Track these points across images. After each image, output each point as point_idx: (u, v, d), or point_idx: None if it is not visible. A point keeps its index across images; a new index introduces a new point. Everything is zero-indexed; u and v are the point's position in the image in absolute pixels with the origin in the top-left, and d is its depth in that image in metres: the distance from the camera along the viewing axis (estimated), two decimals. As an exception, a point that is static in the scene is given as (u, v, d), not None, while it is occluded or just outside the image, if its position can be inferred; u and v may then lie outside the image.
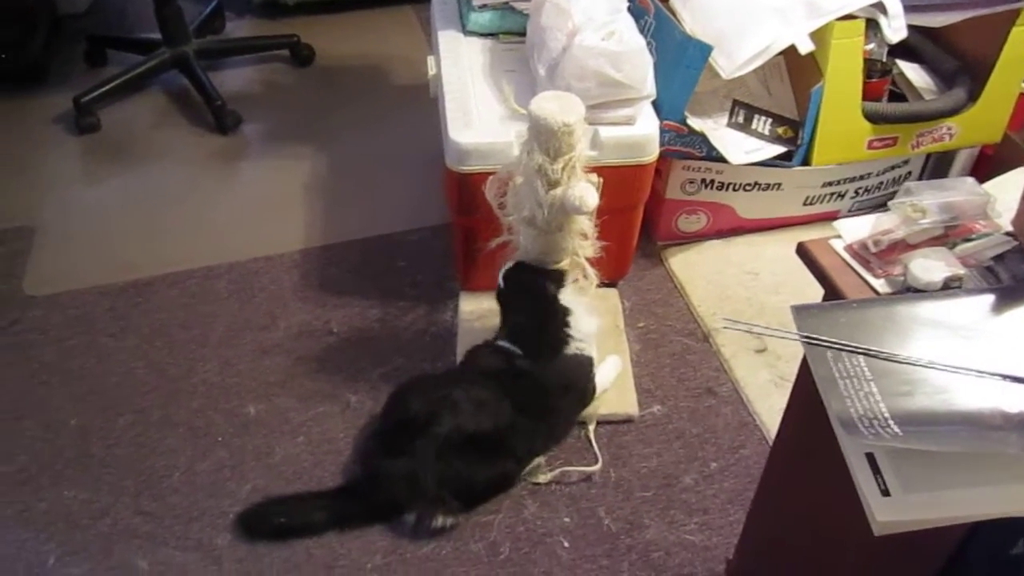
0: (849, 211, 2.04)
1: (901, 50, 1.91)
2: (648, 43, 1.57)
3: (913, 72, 1.95)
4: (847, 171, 1.93)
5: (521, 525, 1.46)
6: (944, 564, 0.83)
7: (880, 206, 2.02)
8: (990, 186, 0.93)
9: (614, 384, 1.64)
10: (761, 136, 1.81)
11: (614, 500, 1.50)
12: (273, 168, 2.28)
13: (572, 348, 1.51)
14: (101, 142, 2.37)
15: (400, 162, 2.27)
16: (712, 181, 1.87)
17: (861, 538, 0.86)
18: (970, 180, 0.91)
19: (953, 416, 0.71)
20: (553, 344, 1.50)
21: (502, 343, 1.52)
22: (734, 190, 1.90)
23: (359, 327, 1.80)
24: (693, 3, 1.73)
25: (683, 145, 1.75)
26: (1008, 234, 0.87)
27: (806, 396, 0.99)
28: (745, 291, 1.87)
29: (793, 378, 1.03)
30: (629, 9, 1.63)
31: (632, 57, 1.51)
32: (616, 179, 1.55)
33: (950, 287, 0.83)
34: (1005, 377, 0.73)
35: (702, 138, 1.75)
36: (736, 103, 1.82)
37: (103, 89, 2.39)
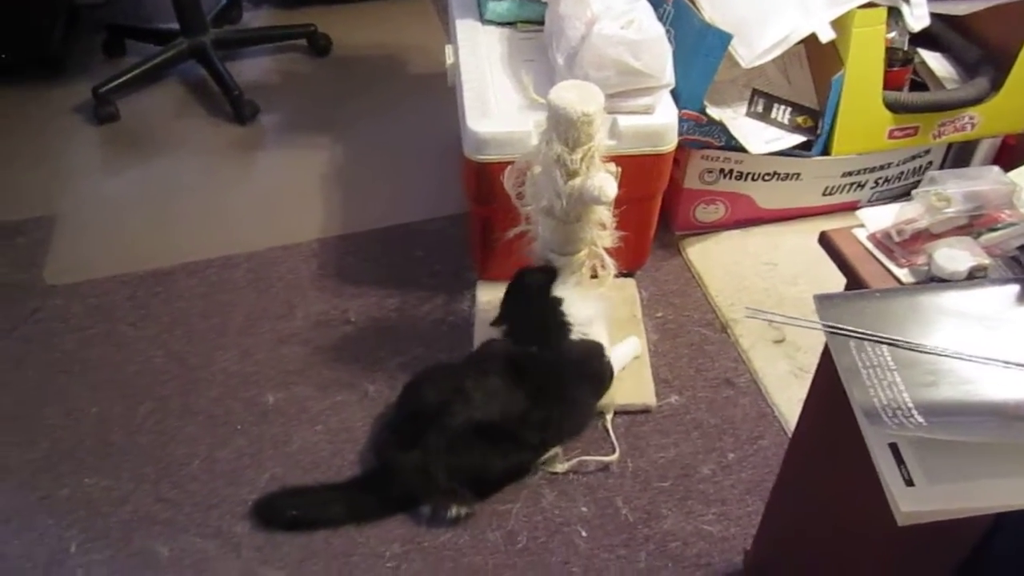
0: (869, 201, 2.02)
1: (923, 38, 1.89)
2: (667, 31, 1.56)
3: (935, 61, 1.93)
4: (867, 161, 1.91)
5: (539, 514, 1.46)
6: (967, 556, 0.83)
7: (900, 196, 2.01)
8: (1015, 175, 0.92)
9: (632, 374, 1.64)
10: (781, 125, 1.79)
11: (631, 490, 1.50)
12: (291, 158, 2.29)
13: (576, 334, 1.50)
14: (120, 132, 2.38)
15: (417, 151, 2.27)
16: (731, 171, 1.86)
17: (883, 530, 0.86)
18: (996, 169, 0.90)
19: (978, 407, 0.70)
20: (553, 332, 1.50)
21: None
22: (753, 180, 1.88)
23: (377, 316, 1.80)
24: (712, -9, 1.72)
25: (702, 134, 1.74)
26: (1034, 224, 0.86)
27: (826, 387, 0.98)
28: (763, 282, 1.86)
29: (812, 369, 1.03)
30: (648, -3, 1.62)
31: (651, 46, 1.50)
32: (634, 168, 1.54)
33: (975, 277, 0.82)
34: (1031, 367, 0.72)
35: (721, 127, 1.73)
36: (755, 92, 1.80)
37: (122, 79, 2.40)
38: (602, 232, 1.49)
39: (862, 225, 0.91)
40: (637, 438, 1.57)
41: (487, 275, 1.82)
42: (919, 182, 0.93)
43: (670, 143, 1.60)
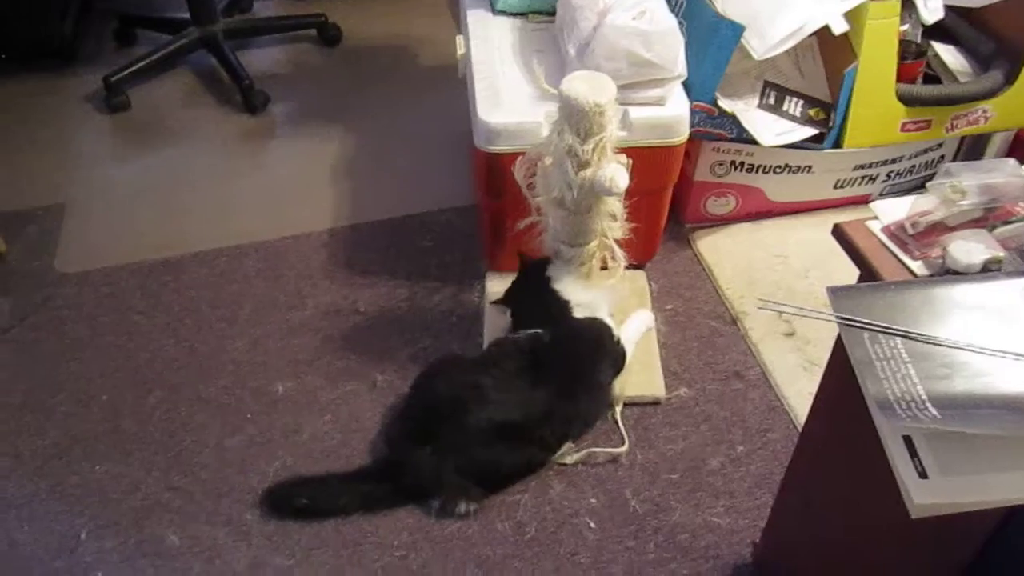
0: (880, 195, 2.01)
1: (937, 31, 1.88)
2: (679, 23, 1.55)
3: (948, 54, 1.92)
4: (879, 154, 1.90)
5: (547, 505, 1.46)
6: (978, 551, 0.82)
7: (912, 190, 2.00)
8: (1031, 168, 0.92)
9: (641, 366, 1.64)
10: (792, 118, 1.79)
11: (640, 482, 1.50)
12: (301, 148, 2.29)
13: (578, 313, 1.51)
14: (131, 121, 2.39)
15: (428, 142, 2.27)
16: (742, 163, 1.85)
17: (893, 524, 0.86)
18: (1011, 162, 0.90)
19: (993, 399, 0.70)
20: (554, 310, 1.51)
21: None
22: (764, 172, 1.88)
23: (386, 307, 1.81)
24: (725, -18, 1.71)
25: (713, 126, 1.74)
26: (1050, 217, 0.85)
27: (837, 380, 0.98)
28: (773, 275, 1.86)
29: (822, 363, 1.02)
30: (660, -12, 1.61)
31: (663, 37, 1.49)
32: (645, 160, 1.54)
33: (989, 270, 0.82)
34: (1046, 361, 0.72)
35: (732, 119, 1.73)
36: (767, 84, 1.80)
37: (133, 68, 2.40)
38: (613, 223, 1.48)
39: (875, 217, 0.91)
40: (646, 430, 1.57)
41: (497, 266, 1.82)
42: (931, 176, 0.93)
43: (681, 135, 1.60)
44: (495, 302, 1.62)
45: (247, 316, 1.80)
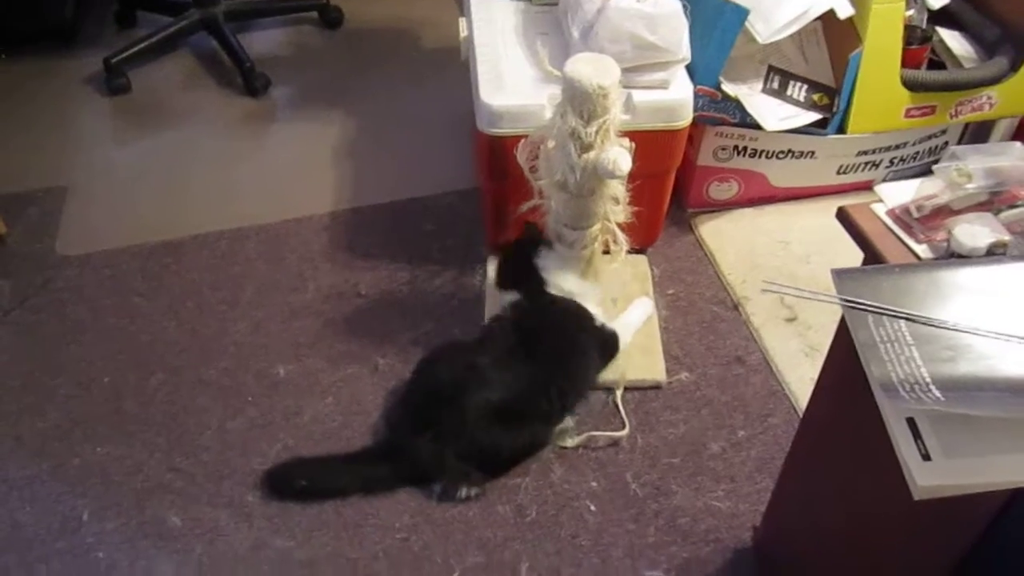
0: (883, 181, 2.01)
1: (942, 17, 1.87)
2: (684, 6, 1.54)
3: (953, 40, 1.91)
4: (883, 140, 1.89)
5: (548, 488, 1.46)
6: (980, 536, 0.82)
7: (915, 177, 1.98)
8: (1038, 152, 0.92)
9: (642, 350, 1.64)
10: (796, 103, 1.78)
11: (641, 466, 1.50)
12: (302, 131, 2.28)
13: (552, 289, 1.53)
14: (131, 103, 2.38)
15: (429, 126, 2.26)
16: (745, 148, 1.85)
17: (894, 509, 0.86)
18: (1018, 145, 0.90)
19: (997, 382, 0.70)
20: (533, 282, 1.53)
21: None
22: (767, 158, 1.87)
23: (388, 290, 1.80)
24: (730, -35, 1.70)
25: (716, 111, 1.73)
26: (1056, 201, 0.85)
27: (840, 364, 0.98)
28: (776, 260, 1.85)
29: (824, 348, 1.02)
30: (665, -29, 1.60)
31: (667, 20, 1.48)
32: (648, 144, 1.53)
33: (995, 253, 0.81)
34: (1051, 344, 0.72)
35: (736, 104, 1.72)
36: (771, 69, 1.79)
37: (133, 50, 2.39)
38: (615, 207, 1.48)
39: (880, 201, 0.91)
40: (647, 414, 1.57)
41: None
42: (935, 163, 0.92)
43: (685, 119, 1.59)
44: (496, 285, 1.62)
45: (248, 299, 1.80)
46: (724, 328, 1.73)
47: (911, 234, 0.87)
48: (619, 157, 1.33)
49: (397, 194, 2.04)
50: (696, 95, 1.62)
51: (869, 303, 0.76)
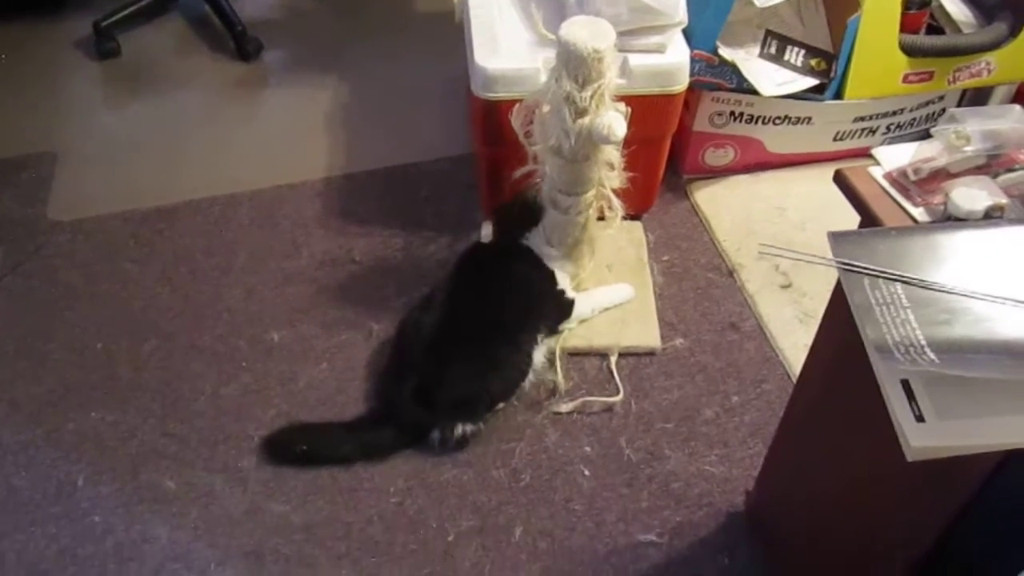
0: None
1: (941, -19, 1.85)
2: (681, -32, 1.53)
3: (952, 5, 1.89)
4: (880, 106, 1.88)
5: (543, 453, 1.47)
6: (973, 496, 0.83)
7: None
8: (1036, 115, 0.91)
9: (637, 317, 1.64)
10: (793, 68, 1.76)
11: (635, 431, 1.50)
12: (295, 96, 2.26)
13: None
14: (121, 68, 2.35)
15: (424, 91, 2.24)
16: (741, 114, 1.83)
17: (886, 472, 0.86)
18: (1017, 108, 0.89)
19: (993, 345, 0.70)
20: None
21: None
22: (763, 123, 1.86)
23: (382, 256, 1.80)
24: (728, -73, 1.67)
25: (713, 75, 1.71)
26: (1054, 164, 0.85)
27: (834, 329, 0.98)
28: (771, 227, 1.85)
29: (818, 315, 1.02)
30: (662, -68, 1.58)
31: (665, -18, 1.47)
32: (644, 109, 1.52)
33: (992, 216, 0.81)
34: (1047, 306, 0.71)
35: (733, 69, 1.71)
36: (769, 33, 1.77)
37: (123, 13, 2.37)
38: (610, 173, 1.47)
39: (878, 163, 0.90)
40: (641, 380, 1.58)
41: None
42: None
43: (681, 83, 1.58)
44: None
45: (242, 264, 1.79)
46: (719, 295, 1.73)
47: (908, 197, 0.86)
48: (614, 122, 1.32)
49: (391, 160, 2.02)
50: (693, 60, 1.60)
51: (865, 266, 0.75)
